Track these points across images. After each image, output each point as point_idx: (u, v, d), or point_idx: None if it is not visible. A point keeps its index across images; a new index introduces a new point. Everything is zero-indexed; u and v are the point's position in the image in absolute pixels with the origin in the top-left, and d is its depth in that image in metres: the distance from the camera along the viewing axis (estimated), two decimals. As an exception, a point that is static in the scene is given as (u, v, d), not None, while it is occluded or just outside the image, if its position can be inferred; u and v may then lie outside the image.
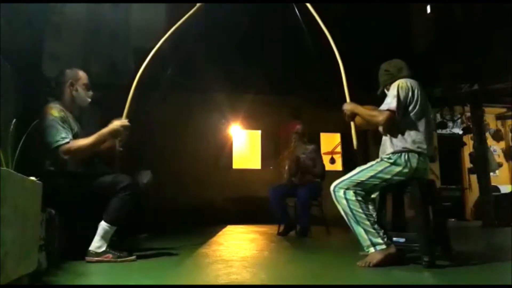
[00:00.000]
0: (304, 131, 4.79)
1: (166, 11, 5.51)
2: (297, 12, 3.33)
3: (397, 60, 2.63)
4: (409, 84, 2.42)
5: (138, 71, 2.75)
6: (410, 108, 2.40)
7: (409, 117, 2.39)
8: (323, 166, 4.88)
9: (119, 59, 5.47)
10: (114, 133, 2.50)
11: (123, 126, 2.51)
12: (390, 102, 2.37)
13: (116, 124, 2.49)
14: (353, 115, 2.59)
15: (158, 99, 6.30)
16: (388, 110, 2.37)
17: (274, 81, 6.87)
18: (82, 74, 2.64)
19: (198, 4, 2.94)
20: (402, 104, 2.37)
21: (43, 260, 1.88)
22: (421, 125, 2.40)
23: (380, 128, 2.56)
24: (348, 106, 2.61)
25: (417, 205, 2.33)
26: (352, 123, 2.61)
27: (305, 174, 4.56)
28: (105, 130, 2.47)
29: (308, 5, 2.95)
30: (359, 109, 2.56)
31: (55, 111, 2.42)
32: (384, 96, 2.63)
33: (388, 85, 2.60)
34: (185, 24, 2.91)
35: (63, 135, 2.37)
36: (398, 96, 2.36)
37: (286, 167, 4.64)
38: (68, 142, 2.36)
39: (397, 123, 2.39)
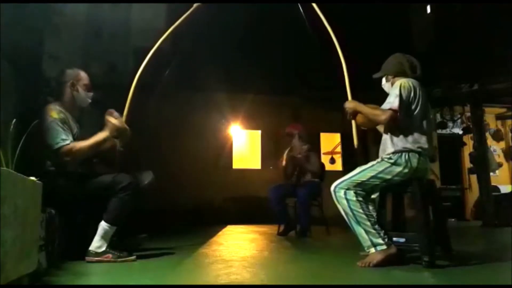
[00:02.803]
0: (293, 132, 4.73)
1: (167, 11, 5.50)
2: (301, 10, 3.32)
3: (413, 58, 2.59)
4: (411, 84, 2.41)
5: (137, 71, 2.75)
6: (412, 108, 2.39)
7: (410, 117, 2.39)
8: (321, 165, 4.88)
9: (120, 59, 5.46)
10: (115, 133, 2.48)
11: (121, 125, 2.49)
12: (393, 101, 2.36)
13: (112, 123, 2.47)
14: (355, 113, 2.57)
15: (158, 99, 6.30)
16: (390, 109, 2.35)
17: (274, 81, 6.87)
18: (83, 74, 2.63)
19: (195, 5, 2.93)
20: (405, 104, 2.36)
21: (43, 260, 1.89)
22: (422, 125, 2.40)
23: (380, 128, 2.56)
24: (350, 104, 2.60)
25: (417, 205, 2.33)
26: (353, 122, 2.60)
27: (303, 175, 4.56)
28: (104, 132, 2.45)
29: (314, 5, 2.93)
30: (361, 107, 2.54)
31: (54, 112, 2.42)
32: (379, 80, 2.62)
33: (390, 75, 2.58)
34: (184, 24, 2.91)
35: (64, 136, 2.36)
36: (400, 95, 2.35)
37: (283, 166, 4.65)
38: (68, 144, 2.36)
39: (398, 123, 2.38)
